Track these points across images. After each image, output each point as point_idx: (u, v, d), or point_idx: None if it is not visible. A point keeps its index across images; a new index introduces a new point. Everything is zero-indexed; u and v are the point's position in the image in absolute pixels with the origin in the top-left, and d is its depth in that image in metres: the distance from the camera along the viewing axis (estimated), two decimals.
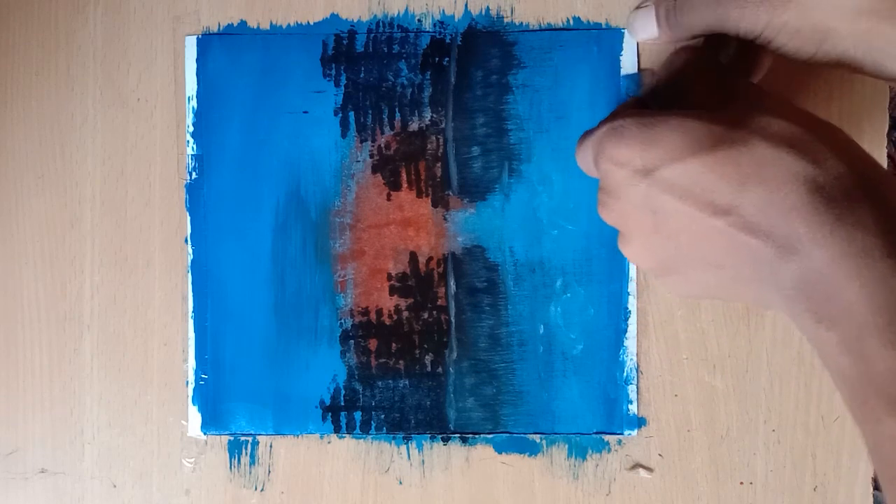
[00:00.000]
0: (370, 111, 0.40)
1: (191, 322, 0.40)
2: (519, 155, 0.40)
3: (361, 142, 0.40)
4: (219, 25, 0.40)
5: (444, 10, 0.40)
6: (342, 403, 0.40)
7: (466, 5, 0.40)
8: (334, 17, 0.40)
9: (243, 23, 0.40)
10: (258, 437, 0.40)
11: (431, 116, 0.40)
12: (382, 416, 0.40)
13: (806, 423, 0.39)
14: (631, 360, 0.39)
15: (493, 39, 0.40)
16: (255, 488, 0.40)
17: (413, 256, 0.40)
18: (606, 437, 0.40)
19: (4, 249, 0.41)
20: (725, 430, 0.39)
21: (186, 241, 0.40)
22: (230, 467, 0.40)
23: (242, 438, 0.40)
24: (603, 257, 0.39)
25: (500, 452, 0.40)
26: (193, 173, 0.40)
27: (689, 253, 0.28)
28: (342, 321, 0.40)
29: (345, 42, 0.40)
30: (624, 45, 0.39)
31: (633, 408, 0.39)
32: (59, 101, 0.41)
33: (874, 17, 0.30)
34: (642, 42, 0.39)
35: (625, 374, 0.39)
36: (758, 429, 0.39)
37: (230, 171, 0.40)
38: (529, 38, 0.40)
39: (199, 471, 0.40)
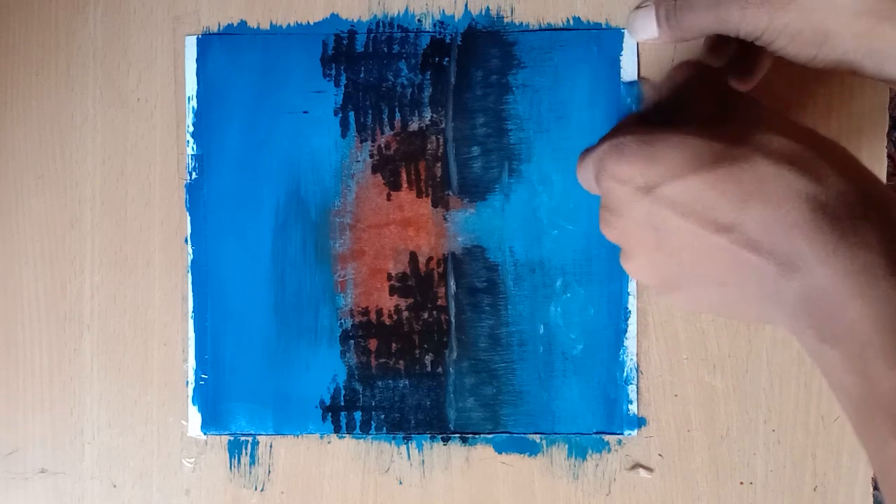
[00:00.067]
0: (370, 111, 0.40)
1: (191, 322, 0.40)
2: (519, 155, 0.40)
3: (361, 142, 0.40)
4: (219, 25, 0.40)
5: (444, 10, 0.40)
6: (342, 403, 0.40)
7: (466, 5, 0.40)
8: (334, 17, 0.40)
9: (243, 23, 0.40)
10: (258, 437, 0.40)
11: (431, 116, 0.40)
12: (382, 416, 0.40)
13: (806, 423, 0.39)
14: (631, 360, 0.39)
15: (493, 39, 0.40)
16: (255, 488, 0.40)
17: (413, 256, 0.40)
18: (606, 437, 0.40)
19: (4, 249, 0.41)
20: (725, 430, 0.39)
21: (186, 241, 0.40)
22: (230, 467, 0.40)
23: (242, 438, 0.40)
24: (603, 257, 0.39)
25: (500, 452, 0.40)
26: (193, 173, 0.40)
27: (691, 270, 0.28)
28: (342, 321, 0.40)
29: (345, 42, 0.40)
30: (624, 45, 0.39)
31: (633, 408, 0.39)
32: (59, 101, 0.40)
33: (874, 19, 0.30)
34: (642, 42, 0.39)
35: (625, 374, 0.39)
36: (758, 429, 0.39)
37: (230, 171, 0.40)
38: (529, 38, 0.40)
39: (199, 471, 0.40)
